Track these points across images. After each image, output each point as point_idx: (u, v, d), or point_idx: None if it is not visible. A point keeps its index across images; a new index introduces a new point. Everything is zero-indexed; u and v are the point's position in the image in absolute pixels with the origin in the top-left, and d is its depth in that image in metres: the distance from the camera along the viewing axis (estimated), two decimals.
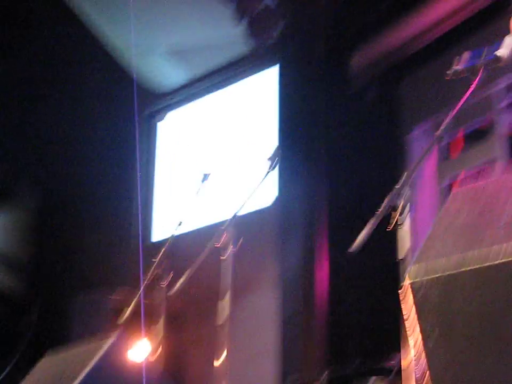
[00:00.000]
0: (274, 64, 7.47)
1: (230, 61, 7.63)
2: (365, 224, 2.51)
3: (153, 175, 8.35)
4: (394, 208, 2.49)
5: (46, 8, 7.55)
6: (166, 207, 8.06)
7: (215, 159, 7.38)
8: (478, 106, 5.95)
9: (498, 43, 2.68)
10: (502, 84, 6.01)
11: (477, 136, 6.40)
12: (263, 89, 7.60)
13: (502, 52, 2.69)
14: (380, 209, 2.44)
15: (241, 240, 3.66)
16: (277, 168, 6.83)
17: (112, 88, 7.99)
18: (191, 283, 3.76)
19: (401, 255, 2.55)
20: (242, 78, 7.80)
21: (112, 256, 7.60)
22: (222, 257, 3.62)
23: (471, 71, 2.63)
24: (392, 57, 6.73)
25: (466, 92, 2.66)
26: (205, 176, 4.29)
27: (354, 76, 6.88)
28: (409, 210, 2.49)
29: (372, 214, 2.52)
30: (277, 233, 6.75)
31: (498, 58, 2.68)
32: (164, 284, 4.09)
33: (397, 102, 6.84)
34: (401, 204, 2.50)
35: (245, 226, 6.79)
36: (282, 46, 7.10)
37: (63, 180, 7.84)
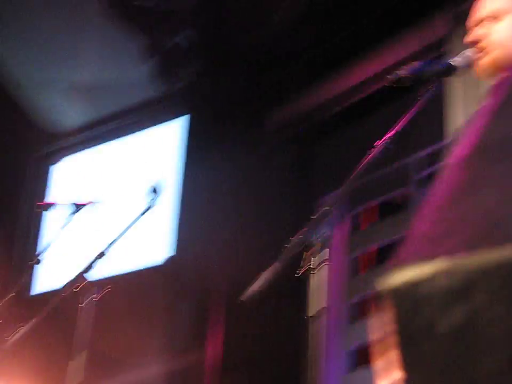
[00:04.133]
0: (180, 115, 6.95)
1: (134, 105, 7.07)
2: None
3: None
4: (306, 248, 1.77)
5: None
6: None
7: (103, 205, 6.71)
8: (394, 177, 5.60)
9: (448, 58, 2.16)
10: (420, 154, 5.64)
11: (392, 208, 6.03)
12: (167, 139, 7.04)
13: (457, 60, 2.17)
14: (288, 246, 1.71)
15: (105, 289, 2.98)
16: (174, 225, 6.39)
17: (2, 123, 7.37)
18: (38, 335, 3.04)
19: (312, 310, 1.75)
20: (146, 127, 7.24)
21: None
22: (80, 305, 2.91)
23: (417, 79, 2.04)
24: (309, 118, 6.36)
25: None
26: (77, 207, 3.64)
27: (270, 134, 6.46)
28: (326, 256, 1.75)
29: None
30: (166, 294, 6.10)
31: (452, 67, 2.14)
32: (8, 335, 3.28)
33: (312, 164, 6.42)
34: (316, 244, 1.78)
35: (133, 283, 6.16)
36: (192, 94, 6.62)
37: None
